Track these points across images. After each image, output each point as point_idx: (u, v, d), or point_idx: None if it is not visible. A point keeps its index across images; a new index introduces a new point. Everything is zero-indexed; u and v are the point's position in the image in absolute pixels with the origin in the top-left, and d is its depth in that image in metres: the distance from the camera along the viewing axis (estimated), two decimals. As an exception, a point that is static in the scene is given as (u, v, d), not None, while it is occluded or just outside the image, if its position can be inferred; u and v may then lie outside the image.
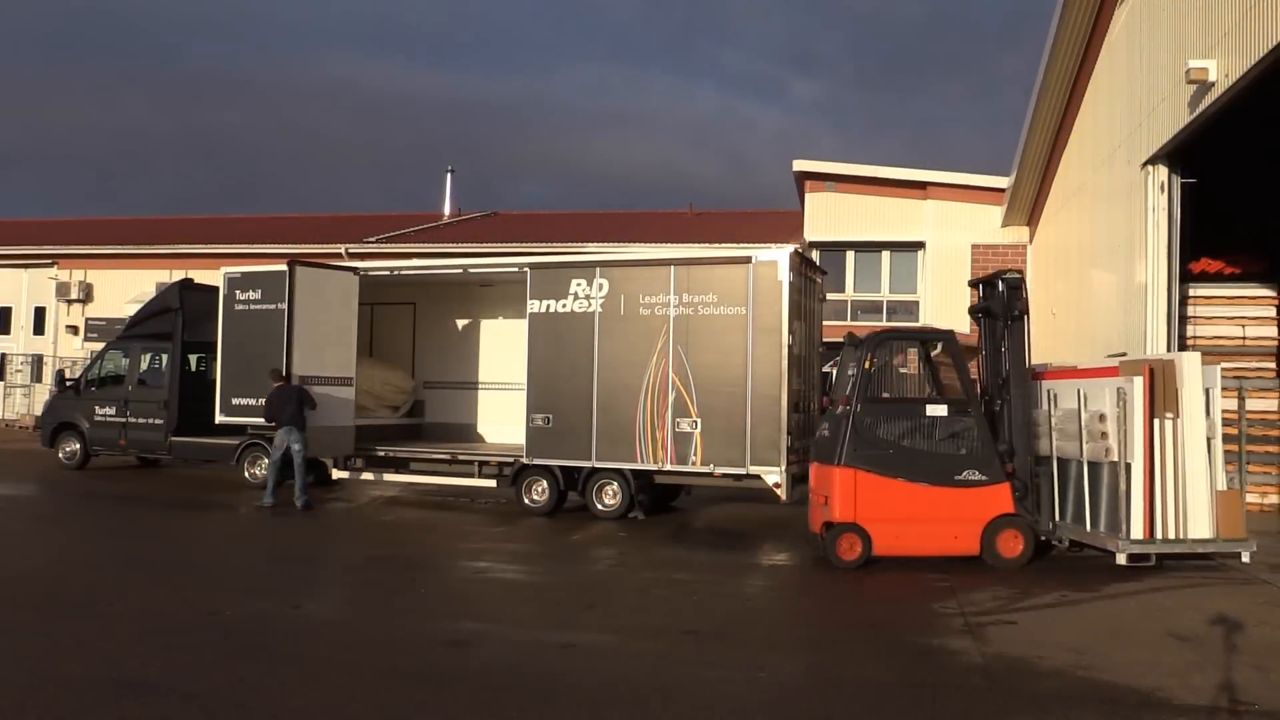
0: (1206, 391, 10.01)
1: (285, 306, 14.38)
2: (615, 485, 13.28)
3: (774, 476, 12.36)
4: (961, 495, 9.93)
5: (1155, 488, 9.67)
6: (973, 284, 11.47)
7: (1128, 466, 9.56)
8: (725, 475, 12.89)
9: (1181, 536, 9.66)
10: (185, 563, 9.90)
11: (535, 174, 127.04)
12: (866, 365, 10.09)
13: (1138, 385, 9.63)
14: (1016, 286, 10.50)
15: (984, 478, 9.99)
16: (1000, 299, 10.51)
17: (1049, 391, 10.98)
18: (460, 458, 14.43)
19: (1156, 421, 9.69)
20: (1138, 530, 9.60)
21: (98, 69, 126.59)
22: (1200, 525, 9.66)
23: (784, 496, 12.42)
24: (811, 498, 10.84)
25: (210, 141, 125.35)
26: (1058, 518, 10.66)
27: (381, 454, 14.85)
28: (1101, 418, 9.88)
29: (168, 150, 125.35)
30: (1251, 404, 15.04)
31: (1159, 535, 9.67)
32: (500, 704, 5.56)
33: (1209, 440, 9.86)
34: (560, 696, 5.75)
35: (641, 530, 12.48)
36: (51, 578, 8.88)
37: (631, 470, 13.17)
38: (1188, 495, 9.69)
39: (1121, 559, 9.57)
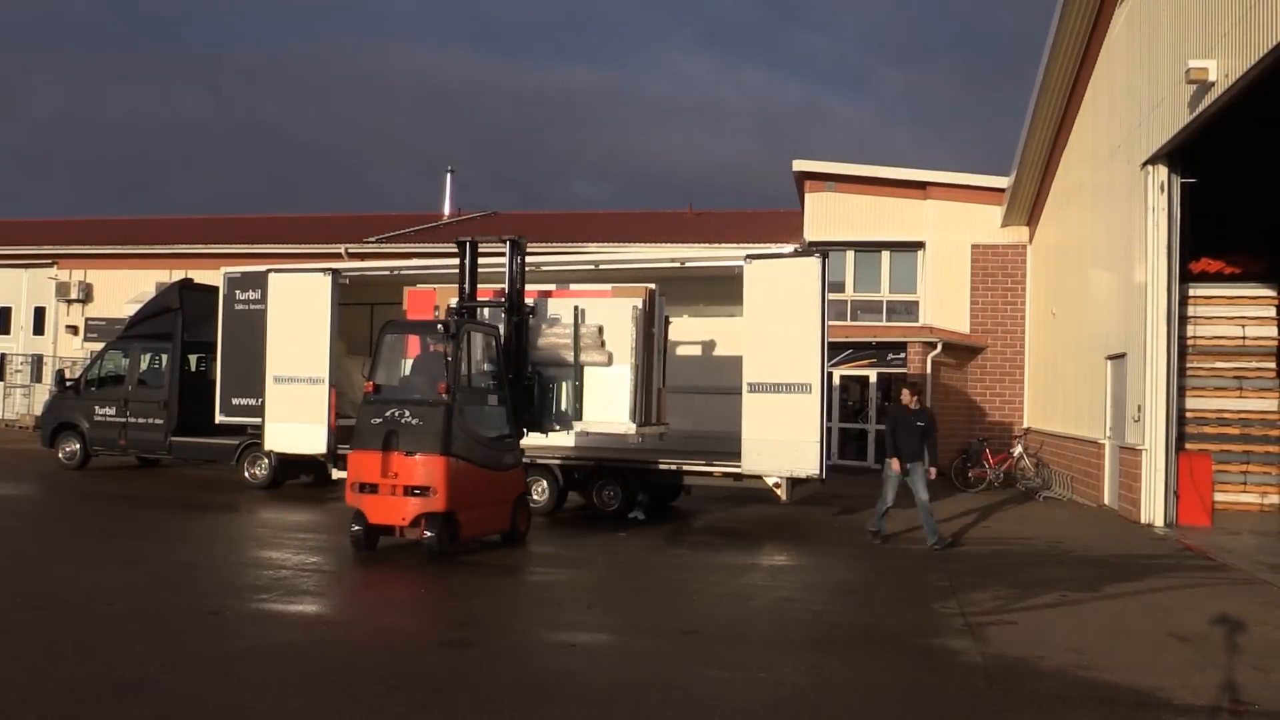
0: (666, 318, 12.95)
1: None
2: (615, 485, 13.27)
3: (774, 477, 12.36)
4: (504, 477, 10.70)
5: (641, 384, 11.89)
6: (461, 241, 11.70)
7: (634, 367, 11.72)
8: (725, 474, 12.90)
9: (653, 420, 12.26)
10: (185, 563, 9.89)
11: (594, 171, 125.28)
12: (451, 354, 10.03)
13: (641, 303, 11.84)
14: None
15: (512, 461, 10.88)
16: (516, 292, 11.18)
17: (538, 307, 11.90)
18: None
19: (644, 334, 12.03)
20: (638, 415, 11.82)
21: (102, 62, 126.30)
22: (654, 414, 12.38)
23: (784, 497, 12.42)
24: (357, 488, 10.04)
25: (257, 138, 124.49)
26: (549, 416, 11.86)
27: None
28: (601, 330, 11.75)
29: (203, 147, 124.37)
30: (1251, 404, 15.10)
31: (644, 420, 11.93)
32: (500, 704, 5.56)
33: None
34: (560, 696, 5.75)
35: (641, 530, 12.48)
36: (51, 578, 8.87)
37: (632, 469, 13.18)
38: (655, 390, 12.33)
39: (635, 438, 12.04)
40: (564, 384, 11.75)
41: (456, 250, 11.52)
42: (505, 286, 11.36)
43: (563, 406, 11.78)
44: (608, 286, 12.09)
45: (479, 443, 10.30)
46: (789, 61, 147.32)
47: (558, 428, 11.94)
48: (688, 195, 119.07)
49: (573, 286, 12.34)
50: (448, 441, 9.69)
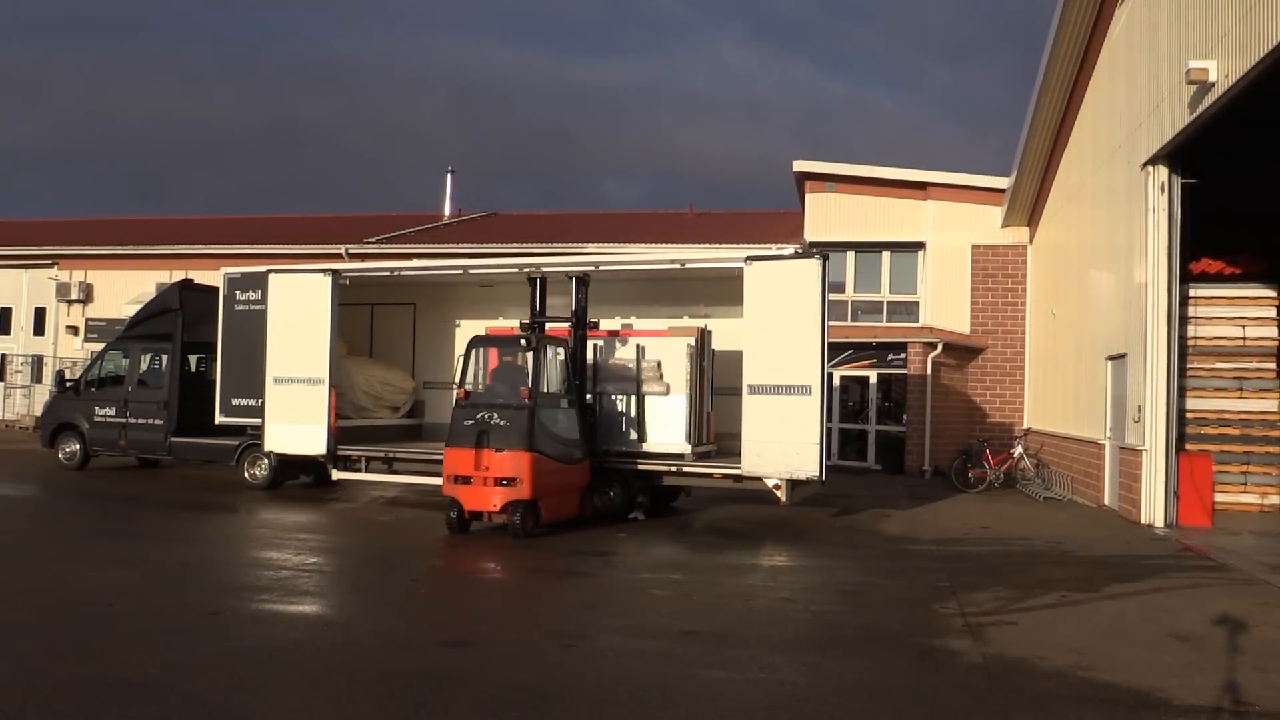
0: (712, 351, 13.88)
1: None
2: (615, 485, 13.26)
3: (774, 478, 12.35)
4: (574, 470, 12.30)
5: (695, 411, 13.24)
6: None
7: (688, 397, 13.09)
8: (726, 476, 12.91)
9: (704, 441, 13.54)
10: (185, 563, 9.89)
11: (626, 168, 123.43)
12: (531, 364, 11.81)
13: (694, 341, 13.28)
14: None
15: (580, 455, 12.42)
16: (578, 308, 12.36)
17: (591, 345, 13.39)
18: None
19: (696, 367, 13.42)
20: (692, 438, 13.13)
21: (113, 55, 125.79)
22: (705, 436, 13.59)
23: (784, 498, 12.42)
24: (453, 479, 11.59)
25: (284, 137, 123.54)
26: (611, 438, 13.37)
27: (381, 454, 14.85)
28: (660, 365, 13.20)
29: (228, 145, 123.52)
30: (1251, 404, 15.11)
31: (697, 441, 13.22)
32: (500, 704, 5.55)
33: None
34: (560, 696, 5.75)
35: (641, 530, 12.48)
36: (51, 578, 8.87)
37: (632, 470, 13.18)
38: (705, 415, 13.66)
39: (689, 455, 13.07)
40: (629, 410, 13.36)
41: (528, 282, 13.31)
42: (573, 309, 13.04)
43: (628, 429, 13.34)
44: (665, 326, 13.78)
45: (554, 440, 11.89)
46: (835, 57, 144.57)
47: (621, 448, 13.29)
48: (724, 193, 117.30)
49: (634, 327, 14.01)
50: (531, 440, 11.34)
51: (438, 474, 14.47)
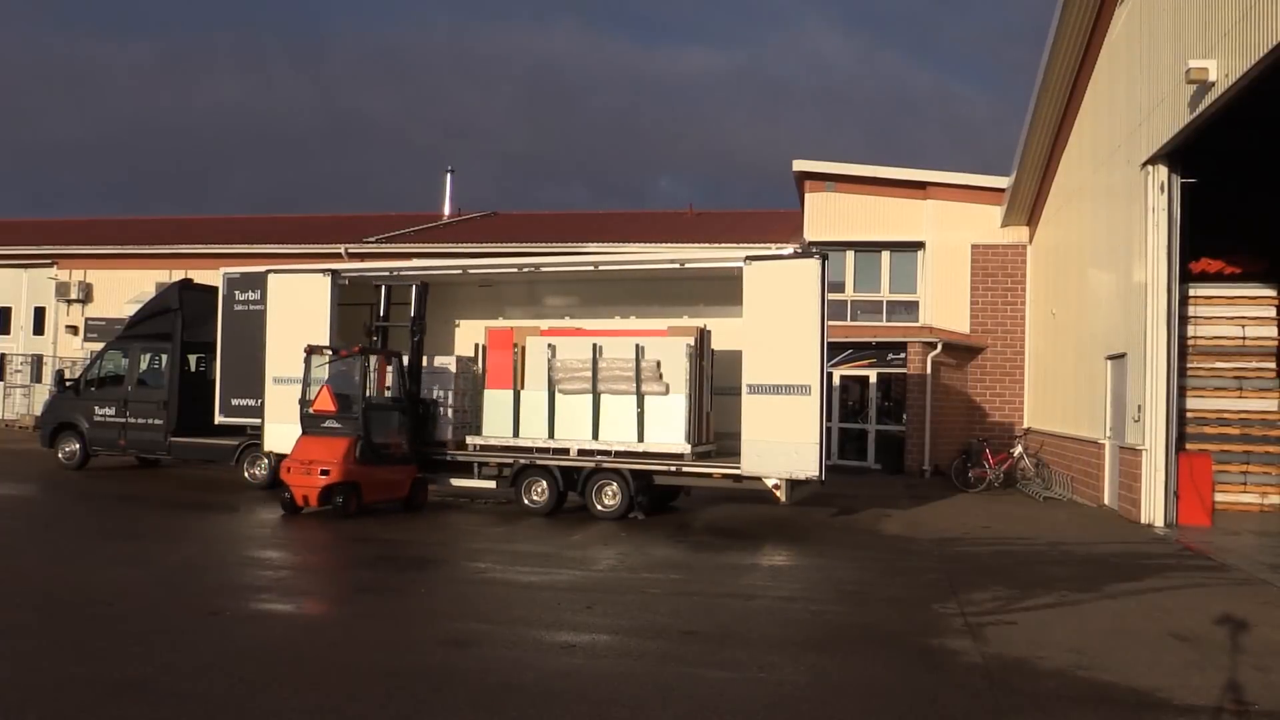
0: (712, 351, 13.81)
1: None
2: (615, 486, 13.28)
3: (773, 478, 12.36)
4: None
5: (694, 411, 13.19)
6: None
7: (688, 396, 13.00)
8: (725, 476, 12.92)
9: (704, 441, 13.53)
10: (185, 562, 9.90)
11: (687, 165, 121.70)
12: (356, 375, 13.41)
13: (694, 341, 13.22)
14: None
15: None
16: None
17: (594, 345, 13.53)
18: (459, 458, 14.43)
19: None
20: (691, 438, 13.08)
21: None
22: (704, 436, 13.58)
23: (783, 498, 12.42)
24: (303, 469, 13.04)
25: (353, 131, 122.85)
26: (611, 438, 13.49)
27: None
28: (659, 364, 13.14)
29: (281, 140, 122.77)
30: (1251, 404, 15.10)
31: (697, 441, 13.22)
32: (500, 704, 5.55)
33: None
34: (560, 697, 5.75)
35: (641, 530, 12.48)
36: (51, 578, 8.87)
37: (631, 470, 13.19)
38: (705, 414, 13.63)
39: (689, 455, 13.04)
40: (628, 410, 13.29)
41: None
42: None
43: (629, 429, 13.27)
44: (664, 326, 13.62)
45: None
46: (925, 48, 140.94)
47: (621, 447, 13.37)
48: (785, 192, 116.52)
49: (633, 326, 13.92)
50: None
51: (437, 473, 14.55)
